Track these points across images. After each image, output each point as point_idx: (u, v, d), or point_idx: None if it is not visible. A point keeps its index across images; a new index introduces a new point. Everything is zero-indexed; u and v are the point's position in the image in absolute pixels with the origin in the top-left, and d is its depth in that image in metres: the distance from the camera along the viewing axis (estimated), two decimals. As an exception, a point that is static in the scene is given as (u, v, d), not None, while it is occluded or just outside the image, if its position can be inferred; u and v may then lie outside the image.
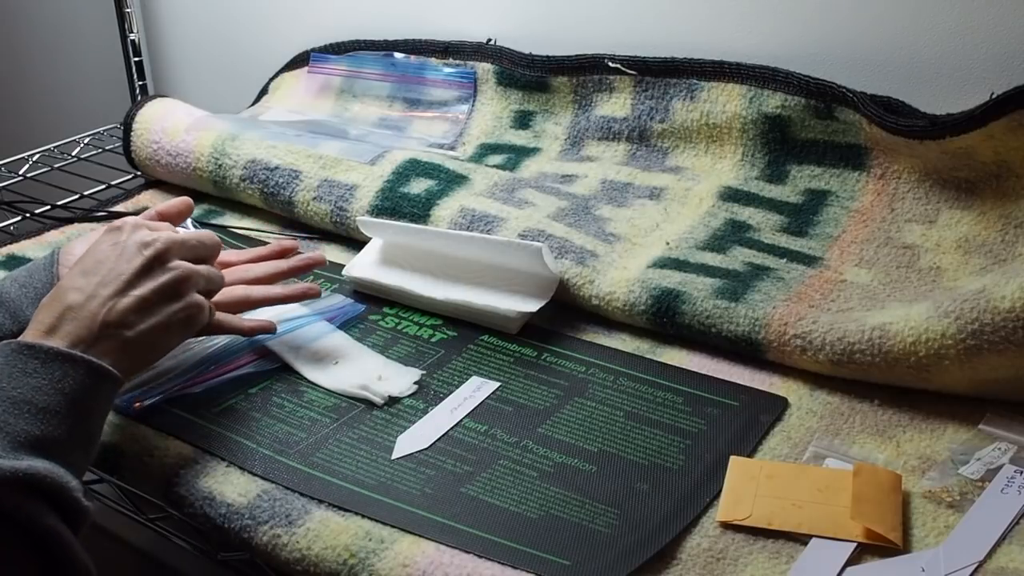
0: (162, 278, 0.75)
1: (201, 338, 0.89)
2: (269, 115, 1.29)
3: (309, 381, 0.86)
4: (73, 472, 0.66)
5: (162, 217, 0.91)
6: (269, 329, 0.87)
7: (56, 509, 0.64)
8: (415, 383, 0.85)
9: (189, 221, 1.09)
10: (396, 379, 0.86)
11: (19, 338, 0.71)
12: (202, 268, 0.78)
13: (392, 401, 0.84)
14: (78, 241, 0.89)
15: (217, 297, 0.84)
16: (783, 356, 0.85)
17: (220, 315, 0.84)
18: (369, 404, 0.83)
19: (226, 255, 0.93)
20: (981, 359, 0.77)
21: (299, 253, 0.95)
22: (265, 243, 1.09)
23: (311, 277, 1.01)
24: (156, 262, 0.75)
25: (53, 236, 1.13)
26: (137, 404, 0.83)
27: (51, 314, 0.72)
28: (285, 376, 0.87)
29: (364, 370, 0.87)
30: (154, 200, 1.21)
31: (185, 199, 0.91)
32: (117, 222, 0.79)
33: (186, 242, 0.78)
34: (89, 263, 0.75)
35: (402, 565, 0.68)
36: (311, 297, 0.91)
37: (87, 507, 0.66)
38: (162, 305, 0.75)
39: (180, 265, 0.76)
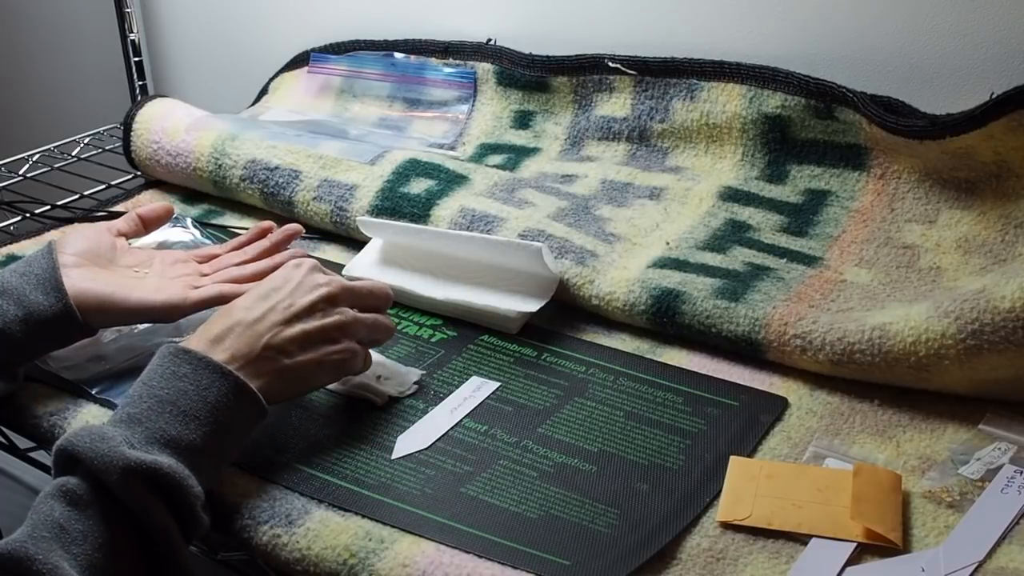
0: (327, 319, 0.78)
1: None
2: (269, 115, 1.29)
3: None
4: (198, 479, 0.68)
5: (142, 220, 0.97)
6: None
7: (173, 512, 0.66)
8: (415, 383, 0.85)
9: (190, 221, 1.09)
10: (396, 379, 0.86)
11: (181, 342, 0.74)
12: (367, 317, 0.81)
13: (392, 401, 0.84)
14: (72, 233, 0.92)
15: (230, 290, 0.87)
16: (783, 356, 0.85)
17: (222, 287, 0.88)
18: (369, 404, 0.83)
19: (210, 249, 0.97)
20: (981, 359, 0.77)
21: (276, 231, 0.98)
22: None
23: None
24: (326, 303, 0.78)
25: (53, 236, 1.13)
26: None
27: (220, 326, 0.75)
28: (285, 376, 0.87)
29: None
30: (154, 200, 1.21)
31: (166, 205, 0.98)
32: (298, 260, 0.82)
33: (356, 291, 0.81)
34: (265, 289, 0.78)
35: (402, 565, 0.68)
36: (296, 235, 0.96)
37: (203, 518, 0.68)
38: (321, 344, 0.77)
39: (346, 312, 0.79)
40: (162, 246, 1.03)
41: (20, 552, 0.61)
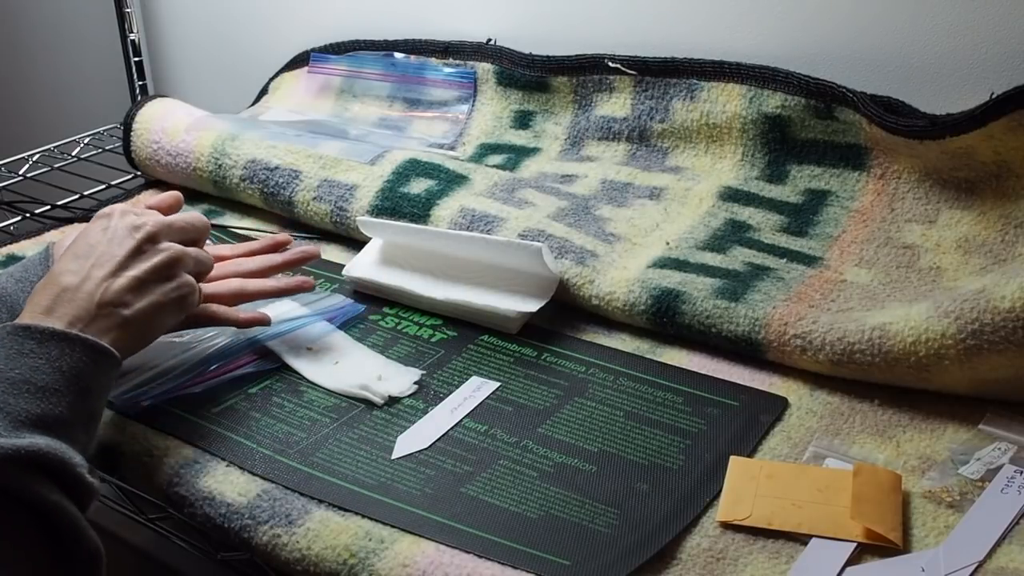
0: (154, 259, 0.77)
1: (201, 338, 0.89)
2: (269, 115, 1.29)
3: (309, 381, 0.86)
4: (77, 450, 0.66)
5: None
6: (264, 321, 0.87)
7: (62, 487, 0.64)
8: (415, 383, 0.85)
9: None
10: (396, 379, 0.86)
11: (15, 321, 0.71)
12: (191, 250, 0.80)
13: (392, 401, 0.84)
14: (71, 236, 0.90)
15: (213, 289, 0.86)
16: (783, 356, 0.85)
17: (215, 307, 0.85)
18: (369, 404, 0.83)
19: (219, 249, 0.93)
20: (981, 359, 0.77)
21: (292, 247, 0.95)
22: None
23: (312, 276, 1.01)
24: (147, 243, 0.77)
25: (53, 236, 1.13)
26: (137, 404, 0.83)
27: (47, 297, 0.73)
28: (285, 376, 0.87)
29: (364, 370, 0.87)
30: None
31: (175, 193, 0.92)
32: (106, 209, 0.80)
33: (174, 224, 0.80)
34: (81, 247, 0.76)
35: (402, 565, 0.68)
36: (305, 290, 0.92)
37: (92, 484, 0.66)
38: (156, 285, 0.76)
39: (171, 247, 0.78)
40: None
41: None
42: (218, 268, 0.90)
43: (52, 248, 0.86)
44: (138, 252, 0.76)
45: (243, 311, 0.88)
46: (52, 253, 0.85)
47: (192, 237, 0.81)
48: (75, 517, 0.64)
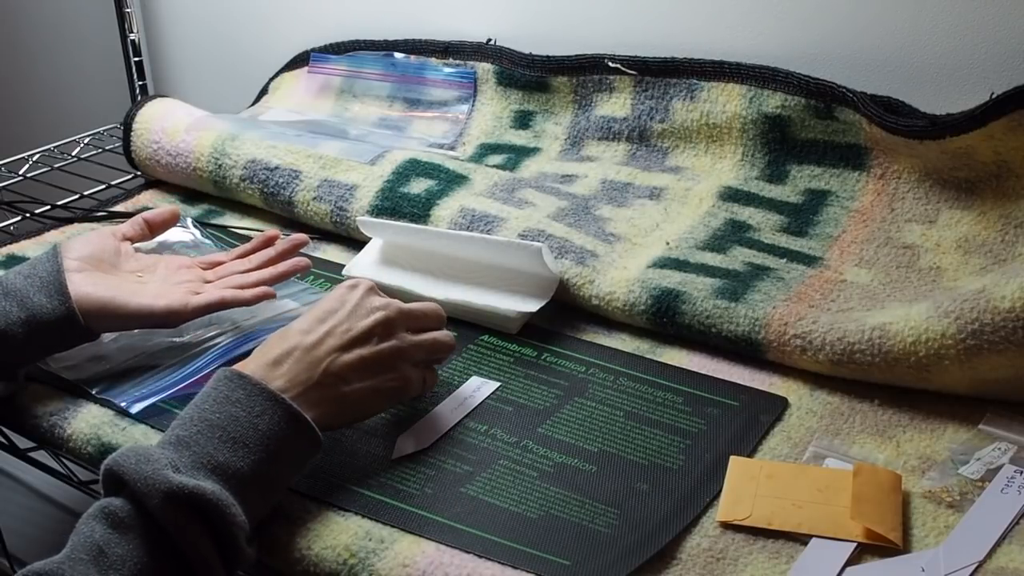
0: (384, 345, 0.77)
1: (202, 338, 0.90)
2: (269, 115, 1.29)
3: None
4: (246, 510, 0.66)
5: (149, 225, 0.97)
6: (270, 295, 0.89)
7: (215, 539, 0.64)
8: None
9: (190, 220, 1.09)
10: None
11: (237, 366, 0.73)
12: (425, 339, 0.80)
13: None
14: (78, 237, 0.92)
15: (215, 290, 0.89)
16: (783, 356, 0.85)
17: (224, 292, 0.87)
18: None
19: (215, 256, 0.96)
20: (981, 359, 0.77)
21: (282, 239, 0.97)
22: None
23: (311, 277, 1.01)
24: (383, 327, 0.77)
25: (53, 236, 1.13)
26: (137, 404, 0.83)
27: (278, 349, 0.74)
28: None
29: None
30: (154, 200, 1.21)
31: (173, 209, 0.97)
32: (353, 280, 0.81)
33: (412, 313, 0.80)
34: (322, 311, 0.77)
35: (402, 565, 0.68)
36: (301, 270, 0.93)
37: (244, 548, 0.66)
38: (379, 371, 0.76)
39: (403, 338, 0.78)
40: (162, 245, 1.03)
41: (55, 573, 0.60)
42: (217, 272, 0.92)
43: (59, 248, 0.87)
44: (372, 334, 0.76)
45: (248, 289, 0.89)
46: (60, 252, 0.86)
47: (427, 327, 0.81)
48: (214, 570, 0.64)
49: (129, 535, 0.63)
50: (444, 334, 0.82)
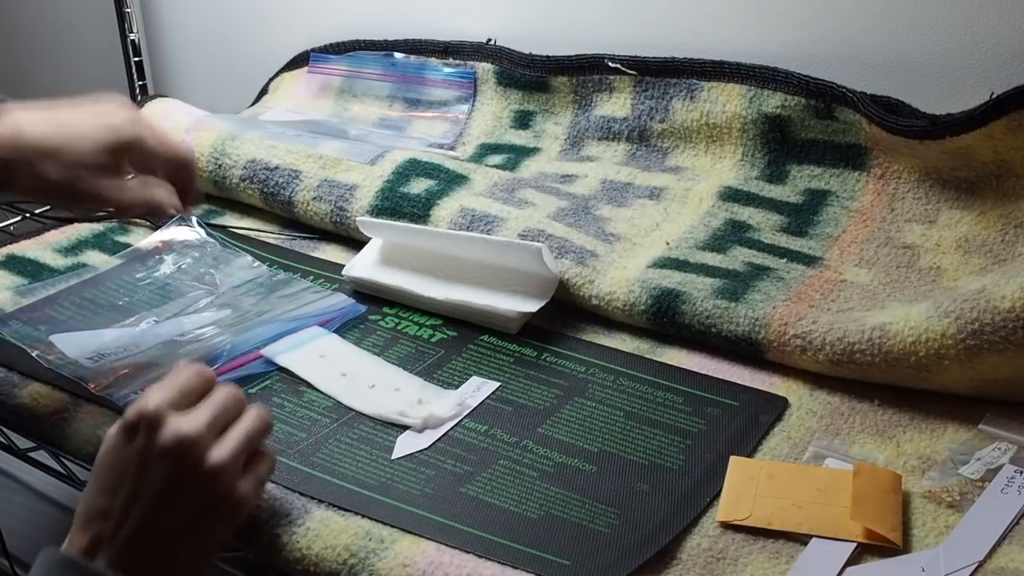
0: (199, 483, 0.63)
1: (202, 338, 0.90)
2: (269, 115, 1.29)
3: (320, 391, 0.85)
4: None
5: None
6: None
7: None
8: (457, 405, 0.82)
9: (195, 220, 1.09)
10: (436, 401, 0.82)
11: (63, 547, 0.64)
12: (239, 443, 0.65)
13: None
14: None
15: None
16: (783, 356, 0.85)
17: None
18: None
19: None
20: (981, 359, 0.77)
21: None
22: (265, 243, 1.09)
23: (311, 278, 1.01)
24: (186, 464, 0.63)
25: (53, 236, 1.13)
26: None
27: (85, 529, 0.64)
28: (285, 376, 0.87)
29: (403, 394, 0.84)
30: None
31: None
32: (131, 416, 0.64)
33: (213, 420, 0.65)
34: (107, 481, 0.64)
35: (402, 565, 0.68)
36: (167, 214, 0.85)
37: None
38: (203, 518, 0.64)
39: (214, 456, 0.64)
40: (167, 245, 1.03)
41: None
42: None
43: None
44: (175, 482, 0.64)
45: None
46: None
47: (230, 421, 0.67)
48: None
49: None
50: (254, 416, 0.67)
